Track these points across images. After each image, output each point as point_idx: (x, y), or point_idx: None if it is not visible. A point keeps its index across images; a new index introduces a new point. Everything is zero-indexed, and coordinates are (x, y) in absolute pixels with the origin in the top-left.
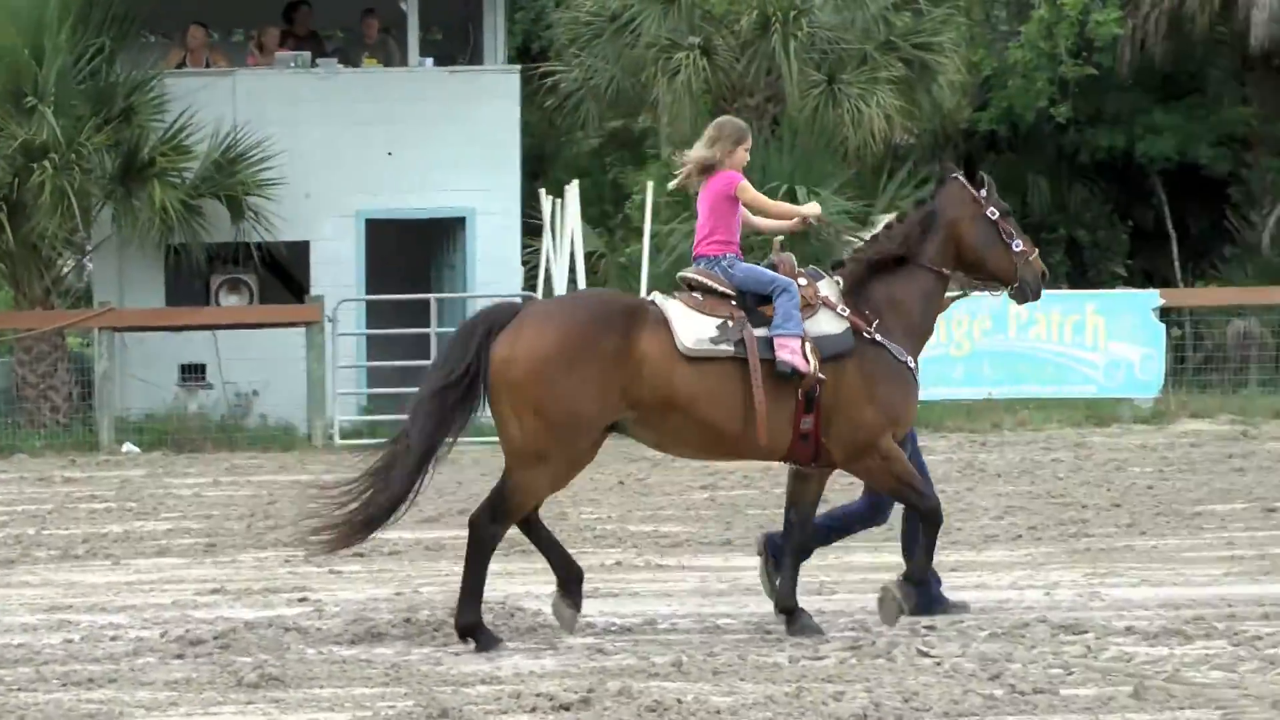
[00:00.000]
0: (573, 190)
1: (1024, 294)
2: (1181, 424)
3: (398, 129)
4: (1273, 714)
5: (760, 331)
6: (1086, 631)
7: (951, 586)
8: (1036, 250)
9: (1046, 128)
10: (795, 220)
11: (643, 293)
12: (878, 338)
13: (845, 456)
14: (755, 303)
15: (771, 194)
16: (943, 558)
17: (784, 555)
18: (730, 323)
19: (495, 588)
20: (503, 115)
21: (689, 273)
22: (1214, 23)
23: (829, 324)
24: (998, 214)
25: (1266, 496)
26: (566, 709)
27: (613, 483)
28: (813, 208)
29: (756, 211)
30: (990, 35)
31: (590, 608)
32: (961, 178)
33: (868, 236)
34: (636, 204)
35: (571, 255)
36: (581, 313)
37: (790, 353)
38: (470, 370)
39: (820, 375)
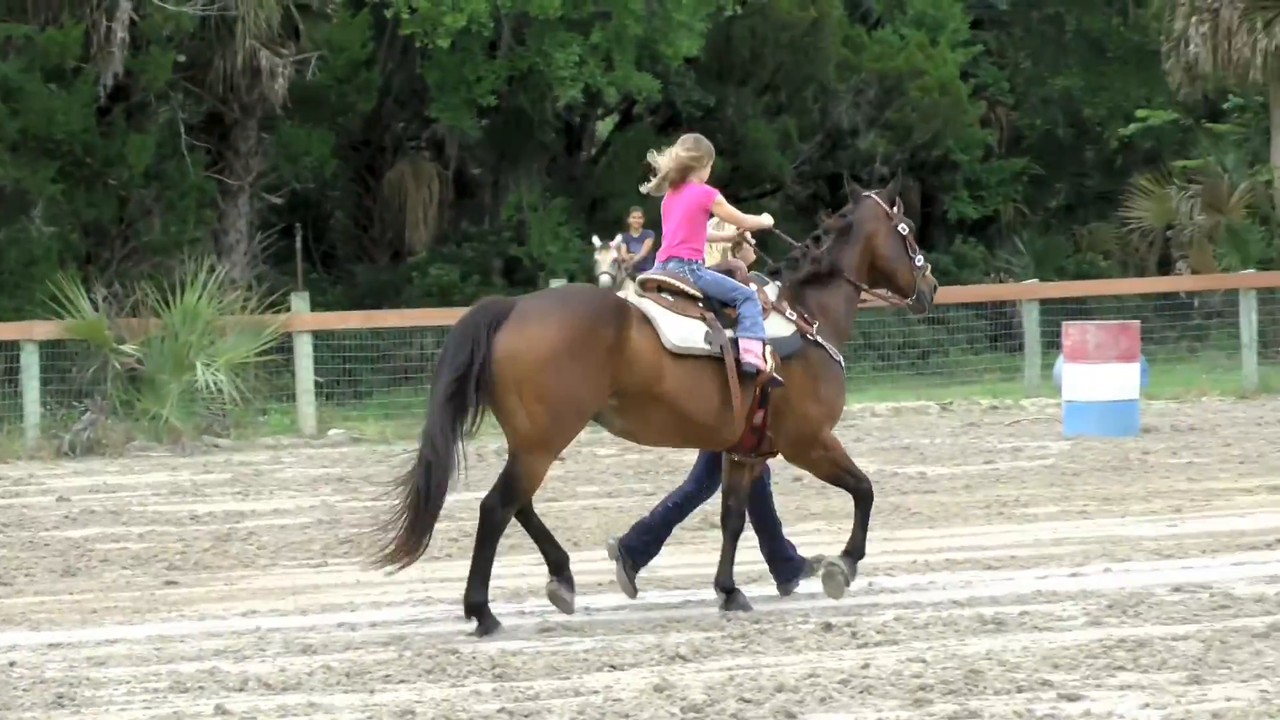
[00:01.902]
0: None
1: (920, 305)
2: None
3: None
4: None
5: (727, 333)
6: None
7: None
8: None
9: None
10: (749, 228)
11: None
12: (818, 339)
13: (792, 448)
14: (719, 305)
15: None
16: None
17: (724, 538)
18: (709, 325)
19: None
20: None
21: (656, 274)
22: None
23: (779, 327)
24: (906, 230)
25: None
26: None
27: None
28: (766, 219)
29: (725, 221)
30: None
31: None
32: (875, 195)
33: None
34: None
35: None
36: (580, 308)
37: (754, 356)
38: (477, 363)
39: (778, 376)
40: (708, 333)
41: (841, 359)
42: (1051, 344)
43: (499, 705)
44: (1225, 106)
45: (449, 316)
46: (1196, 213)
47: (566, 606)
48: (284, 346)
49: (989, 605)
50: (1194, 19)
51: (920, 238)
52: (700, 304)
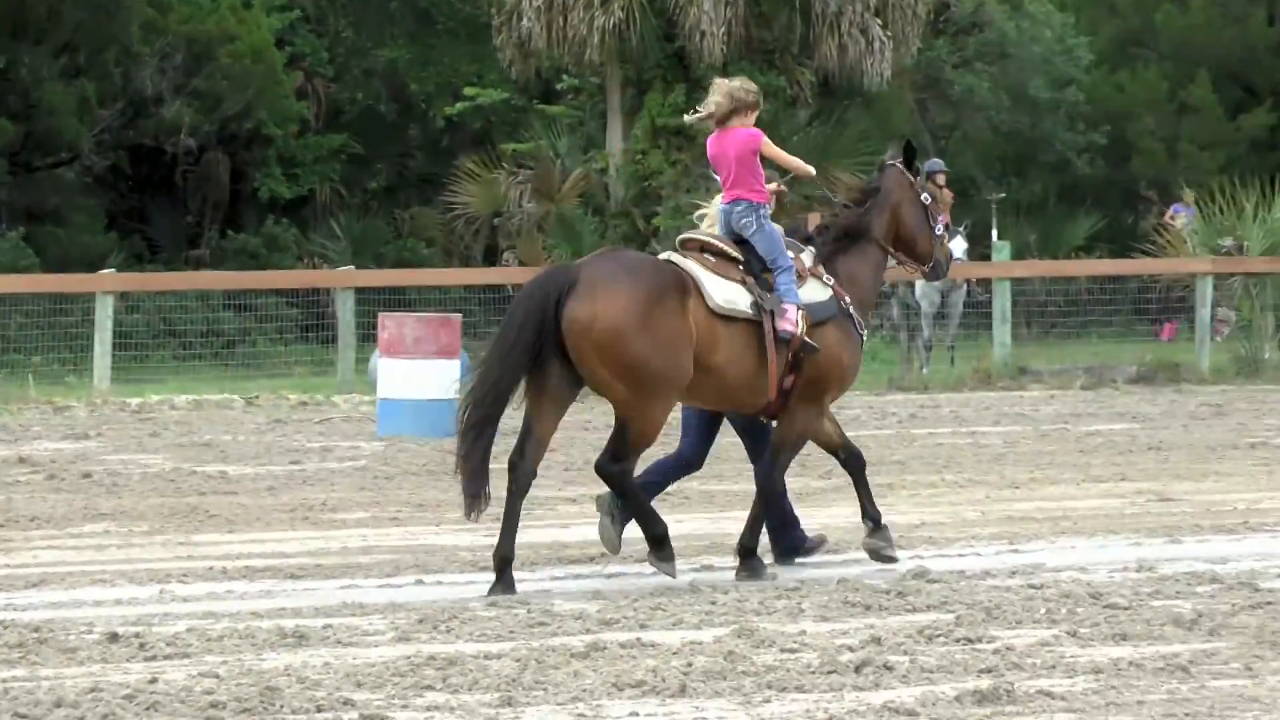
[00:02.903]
0: None
1: (936, 273)
2: None
3: None
4: None
5: (753, 296)
6: None
7: None
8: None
9: None
10: (798, 171)
11: None
12: (851, 308)
13: (795, 399)
14: (759, 268)
15: None
16: None
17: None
18: (749, 289)
19: None
20: None
21: (701, 234)
22: None
23: (817, 292)
24: (929, 199)
25: None
26: None
27: None
28: (810, 167)
29: (772, 159)
30: None
31: None
32: (899, 164)
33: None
34: None
35: None
36: (646, 277)
37: (789, 323)
38: (545, 330)
39: (811, 341)
40: (749, 297)
41: (865, 331)
42: (368, 336)
43: None
44: (560, 87)
45: None
46: (526, 200)
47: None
48: None
49: (290, 617)
50: None
51: (229, 217)
52: (741, 266)
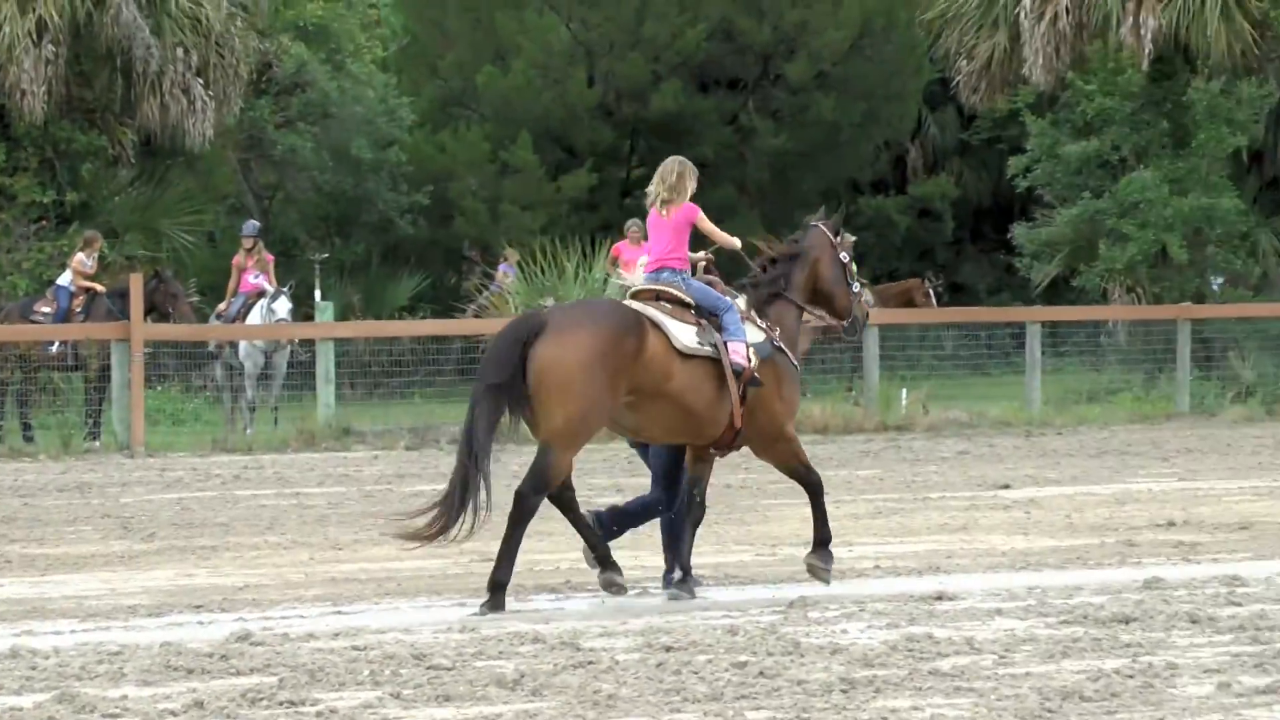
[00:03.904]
0: None
1: (854, 329)
2: None
3: None
4: None
5: (710, 336)
6: None
7: None
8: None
9: None
10: (725, 245)
11: None
12: (782, 346)
13: (761, 441)
14: (707, 313)
15: None
16: None
17: (686, 526)
18: (703, 330)
19: None
20: None
21: (652, 284)
22: None
23: (753, 334)
24: (847, 259)
25: None
26: None
27: None
28: (736, 241)
29: (703, 235)
30: None
31: None
32: (822, 224)
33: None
34: None
35: None
36: (607, 321)
37: (740, 356)
38: (518, 371)
39: (757, 375)
40: (704, 336)
41: (799, 365)
42: None
43: None
44: None
45: None
46: None
47: (619, 588)
48: None
49: None
50: None
51: None
52: (693, 311)
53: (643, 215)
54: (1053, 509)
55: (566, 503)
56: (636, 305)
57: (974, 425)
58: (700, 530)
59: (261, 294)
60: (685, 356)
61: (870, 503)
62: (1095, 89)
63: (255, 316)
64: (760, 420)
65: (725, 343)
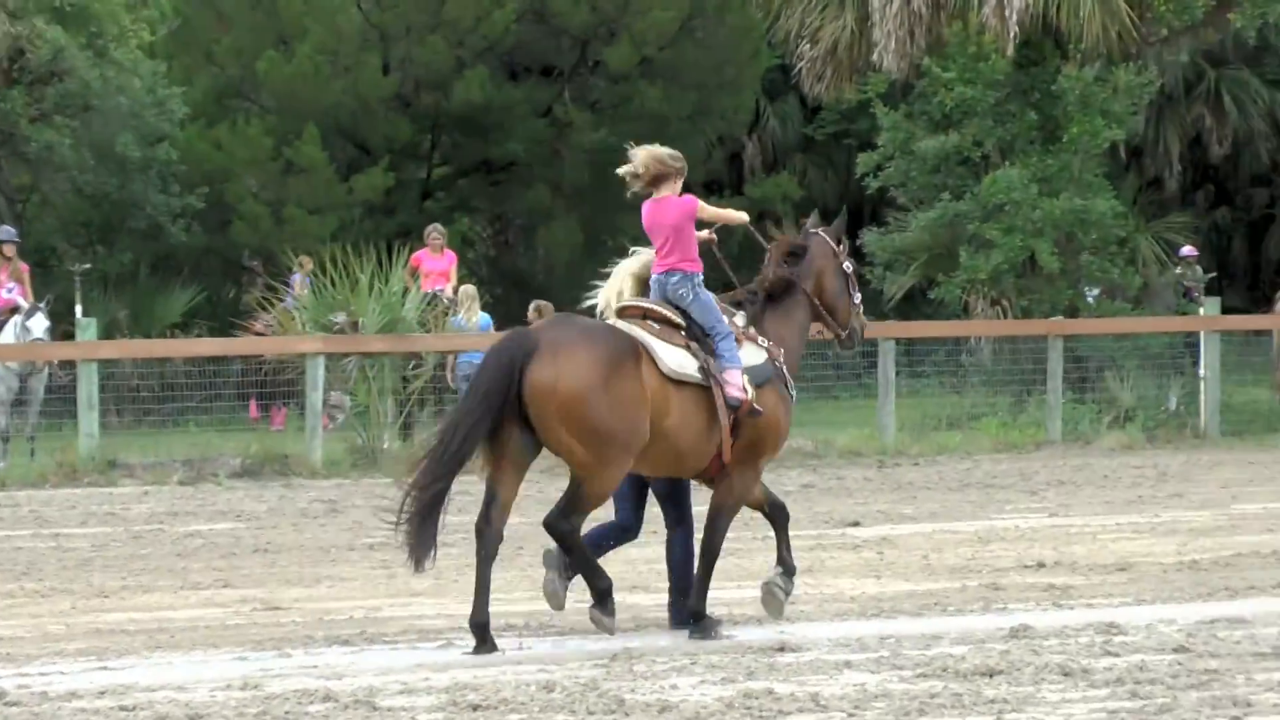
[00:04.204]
0: None
1: (852, 341)
2: None
3: None
4: None
5: (699, 361)
6: None
7: None
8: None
9: None
10: (735, 220)
11: None
12: (783, 369)
13: (736, 470)
14: (700, 333)
15: None
16: None
17: (779, 532)
18: (694, 354)
19: None
20: None
21: (643, 301)
22: None
23: (753, 356)
24: (850, 268)
25: None
26: None
27: None
28: (743, 215)
29: (709, 218)
30: None
31: None
32: (823, 232)
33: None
34: None
35: None
36: (603, 342)
37: (736, 389)
38: (510, 392)
39: (758, 407)
40: (696, 361)
41: (794, 393)
42: None
43: None
44: None
45: None
46: None
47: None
48: None
49: None
50: None
51: None
52: (683, 332)
53: (445, 220)
54: (908, 549)
55: (490, 551)
56: (623, 326)
57: (820, 455)
58: (512, 575)
59: (15, 310)
60: (676, 384)
61: None
62: (954, 77)
63: (8, 335)
64: (746, 448)
65: (720, 372)
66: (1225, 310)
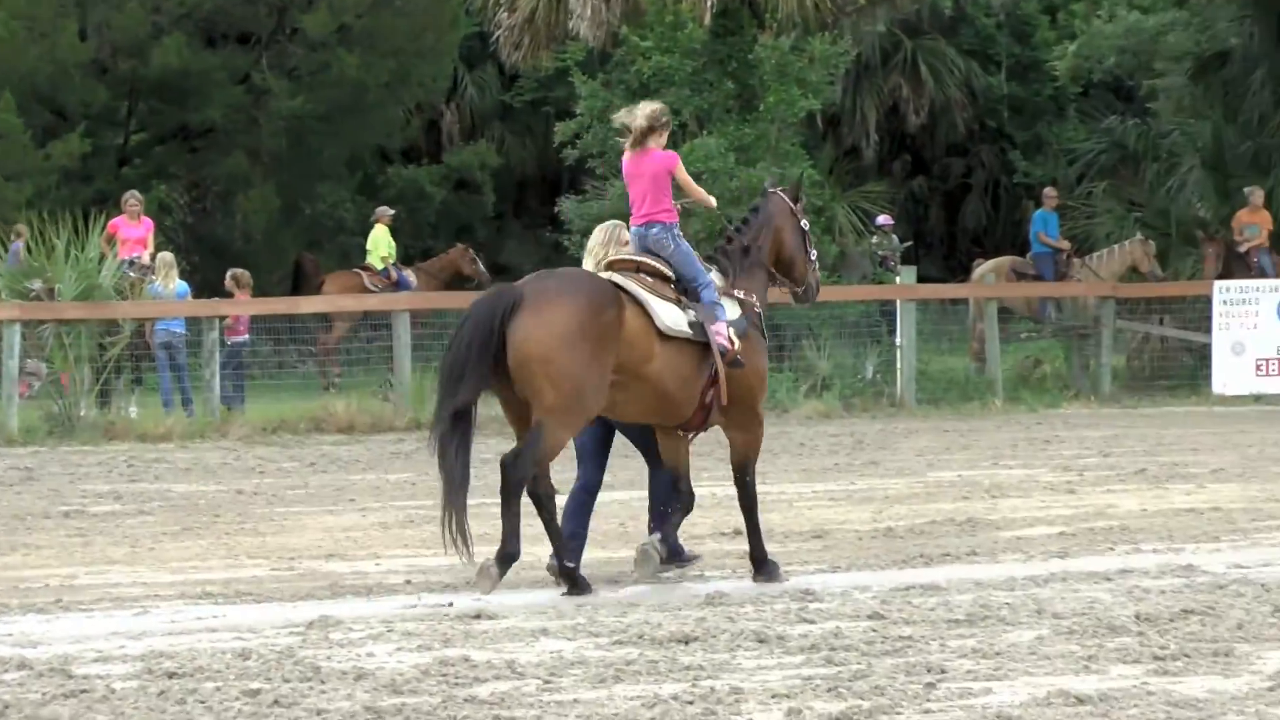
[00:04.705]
0: None
1: (807, 295)
2: None
3: None
4: None
5: (690, 315)
6: None
7: None
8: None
9: None
10: (701, 201)
11: None
12: (760, 315)
13: (736, 421)
14: (686, 285)
15: None
16: None
17: (673, 514)
18: (684, 308)
19: None
20: None
21: (634, 255)
22: None
23: (732, 309)
24: (807, 225)
25: None
26: None
27: None
28: (712, 200)
29: (679, 187)
30: None
31: None
32: (781, 192)
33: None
34: None
35: None
36: (585, 292)
37: (723, 338)
38: (494, 346)
39: (740, 358)
40: (686, 315)
41: (766, 338)
42: None
43: None
44: None
45: None
46: None
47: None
48: None
49: None
50: None
51: None
52: (672, 285)
53: (142, 187)
54: (605, 516)
55: (542, 500)
56: (618, 278)
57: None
58: (208, 543)
59: None
60: (665, 338)
61: (402, 510)
62: (652, 46)
63: None
64: (737, 399)
65: (708, 324)
66: (921, 279)
